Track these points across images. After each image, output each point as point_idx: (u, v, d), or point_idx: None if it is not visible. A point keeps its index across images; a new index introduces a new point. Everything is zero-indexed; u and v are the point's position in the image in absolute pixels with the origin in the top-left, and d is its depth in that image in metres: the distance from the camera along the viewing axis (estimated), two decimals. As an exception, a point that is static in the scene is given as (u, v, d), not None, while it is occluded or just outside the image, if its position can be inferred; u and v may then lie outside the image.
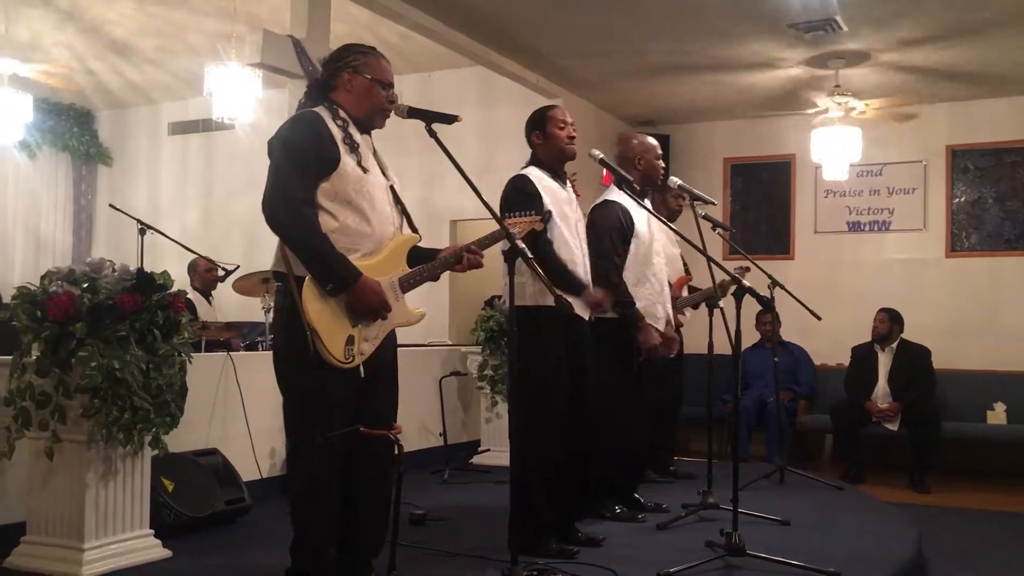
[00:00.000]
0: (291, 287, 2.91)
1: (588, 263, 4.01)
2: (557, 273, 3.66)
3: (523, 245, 3.06)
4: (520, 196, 3.78)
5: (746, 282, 3.68)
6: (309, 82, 3.29)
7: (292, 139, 2.96)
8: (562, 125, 3.95)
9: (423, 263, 3.14)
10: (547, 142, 3.96)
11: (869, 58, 6.64)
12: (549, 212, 3.54)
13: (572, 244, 3.89)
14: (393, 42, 6.84)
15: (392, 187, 3.15)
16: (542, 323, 3.68)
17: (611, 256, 4.34)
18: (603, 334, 4.15)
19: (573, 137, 3.97)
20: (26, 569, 3.51)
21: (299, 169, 2.91)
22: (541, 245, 3.67)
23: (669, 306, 4.67)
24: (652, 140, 4.74)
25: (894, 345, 6.99)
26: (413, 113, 3.07)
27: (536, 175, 3.89)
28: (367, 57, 3.10)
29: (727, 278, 3.81)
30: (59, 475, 3.52)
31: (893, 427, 6.75)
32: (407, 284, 3.08)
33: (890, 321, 7.02)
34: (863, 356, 7.10)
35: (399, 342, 3.22)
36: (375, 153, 3.15)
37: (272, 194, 2.91)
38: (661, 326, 4.52)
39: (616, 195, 4.45)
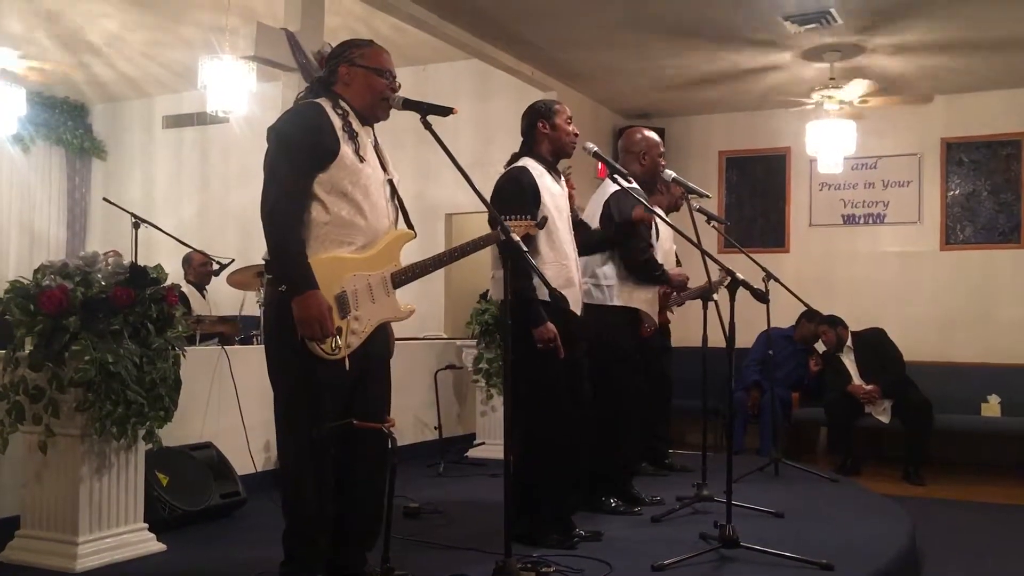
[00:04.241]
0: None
1: (577, 256, 3.99)
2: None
3: (518, 239, 3.05)
4: (518, 191, 3.74)
5: (740, 275, 3.68)
6: (306, 78, 3.26)
7: (289, 131, 2.94)
8: (569, 121, 3.98)
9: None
10: (554, 134, 3.94)
11: (864, 51, 6.63)
12: (544, 218, 3.54)
13: (566, 239, 3.88)
14: (387, 35, 6.82)
15: (391, 181, 3.13)
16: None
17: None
18: (601, 326, 4.15)
19: (577, 135, 4.01)
20: (21, 563, 3.51)
21: (295, 162, 2.88)
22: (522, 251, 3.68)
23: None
24: (656, 137, 4.75)
25: (849, 343, 7.01)
26: (408, 105, 3.04)
27: (535, 168, 3.86)
28: (363, 49, 3.09)
29: (722, 274, 3.81)
30: (53, 469, 3.52)
31: (885, 419, 6.77)
32: (400, 279, 3.07)
33: (833, 328, 7.01)
34: (830, 362, 7.11)
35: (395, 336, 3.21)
36: (376, 146, 3.12)
37: (266, 188, 2.90)
38: (656, 317, 4.62)
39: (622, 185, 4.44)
